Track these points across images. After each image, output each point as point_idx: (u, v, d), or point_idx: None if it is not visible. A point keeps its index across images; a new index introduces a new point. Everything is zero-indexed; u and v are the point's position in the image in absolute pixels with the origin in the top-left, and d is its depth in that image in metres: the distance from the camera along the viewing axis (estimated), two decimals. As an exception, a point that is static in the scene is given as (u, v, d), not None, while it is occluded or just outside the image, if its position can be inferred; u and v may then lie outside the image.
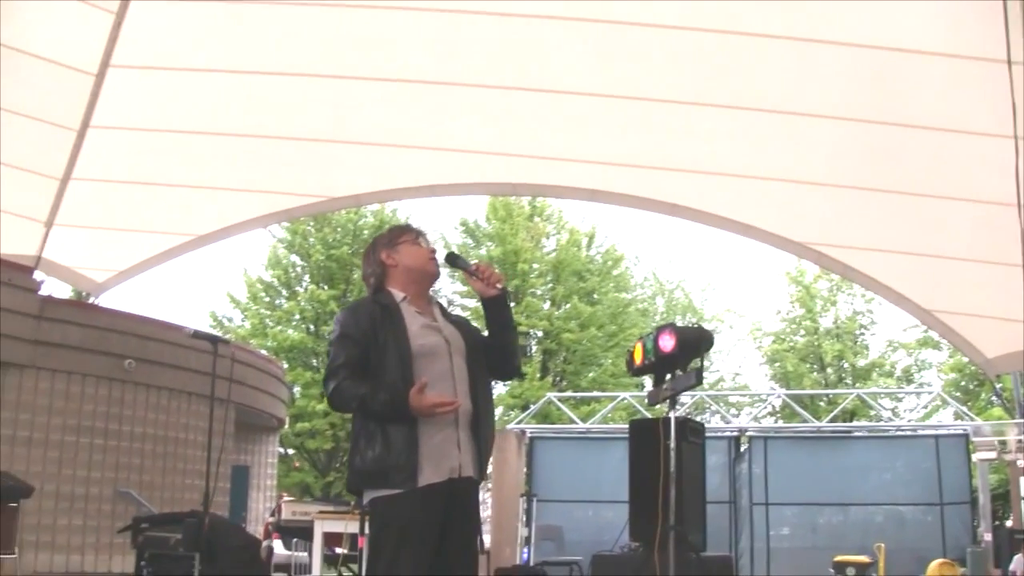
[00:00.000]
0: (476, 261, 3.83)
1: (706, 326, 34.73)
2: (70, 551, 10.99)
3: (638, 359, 6.03)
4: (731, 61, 8.10)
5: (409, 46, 8.42)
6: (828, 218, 9.97)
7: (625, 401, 19.69)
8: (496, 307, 3.77)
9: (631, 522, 6.52)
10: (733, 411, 30.83)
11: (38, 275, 11.27)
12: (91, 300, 12.18)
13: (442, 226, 46.62)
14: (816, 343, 31.32)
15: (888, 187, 9.14)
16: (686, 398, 25.31)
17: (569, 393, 26.94)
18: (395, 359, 3.48)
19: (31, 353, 10.90)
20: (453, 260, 3.91)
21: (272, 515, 9.67)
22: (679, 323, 33.87)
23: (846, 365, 31.13)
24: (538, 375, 29.88)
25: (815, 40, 7.63)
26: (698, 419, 28.03)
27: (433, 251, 3.83)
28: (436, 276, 3.87)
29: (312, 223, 29.54)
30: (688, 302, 35.12)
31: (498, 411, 30.67)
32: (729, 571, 7.09)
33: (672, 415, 5.69)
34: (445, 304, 3.93)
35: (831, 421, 19.94)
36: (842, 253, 10.34)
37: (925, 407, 28.51)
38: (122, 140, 9.40)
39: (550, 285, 31.62)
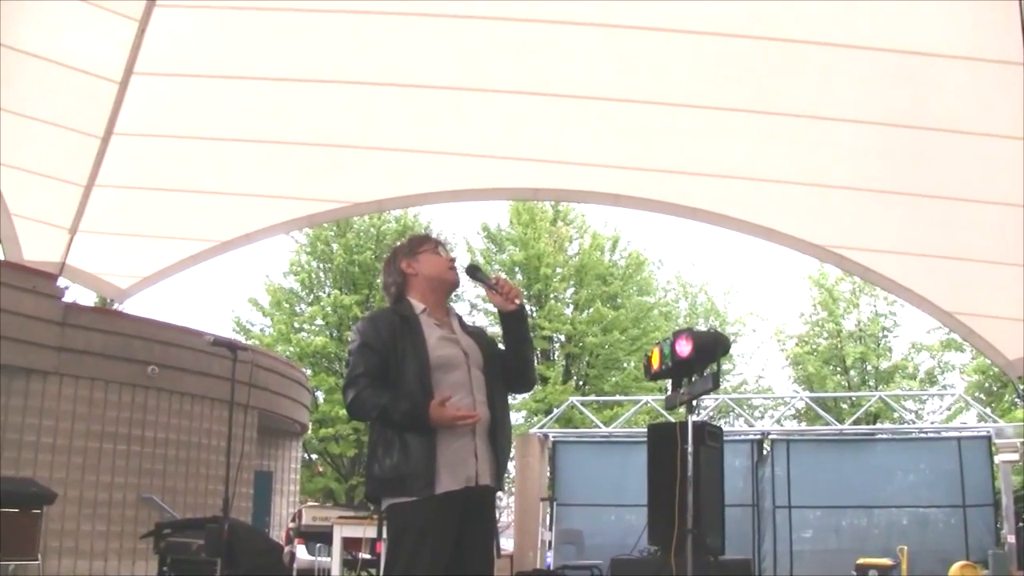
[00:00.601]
0: (496, 275, 3.86)
1: (729, 329, 34.73)
2: (93, 556, 11.08)
3: (656, 364, 6.08)
4: (752, 65, 8.12)
5: (432, 52, 8.47)
6: (849, 221, 9.97)
7: (648, 405, 19.68)
8: (514, 322, 3.81)
9: (649, 526, 6.55)
10: (757, 414, 30.78)
11: (62, 282, 11.38)
12: (115, 306, 12.29)
13: (465, 231, 46.84)
14: (839, 346, 31.21)
15: (909, 190, 9.13)
16: (709, 401, 25.26)
17: (592, 397, 26.93)
18: (414, 370, 3.52)
19: (55, 360, 11.01)
20: (474, 273, 3.96)
21: (293, 520, 9.74)
22: (702, 326, 33.98)
23: (869, 368, 31.00)
24: (561, 379, 29.88)
25: (836, 44, 7.66)
26: (721, 422, 28.01)
27: (453, 260, 3.88)
28: (456, 285, 3.92)
29: (334, 229, 29.62)
30: (711, 305, 35.06)
31: (521, 415, 30.71)
32: (748, 574, 7.08)
33: (690, 419, 5.72)
34: (468, 308, 3.98)
35: (853, 424, 19.89)
36: (863, 256, 10.31)
37: (948, 409, 28.38)
38: (146, 147, 9.48)
39: (573, 289, 31.64)
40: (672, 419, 19.48)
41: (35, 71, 8.28)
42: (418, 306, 3.75)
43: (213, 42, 8.37)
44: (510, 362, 3.82)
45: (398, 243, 4.09)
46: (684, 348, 5.76)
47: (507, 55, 8.41)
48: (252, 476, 15.14)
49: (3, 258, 10.51)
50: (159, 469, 11.93)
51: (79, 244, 10.63)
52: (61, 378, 11.10)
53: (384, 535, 7.06)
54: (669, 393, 6.21)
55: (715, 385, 5.75)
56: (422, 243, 3.90)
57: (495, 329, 4.10)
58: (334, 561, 8.93)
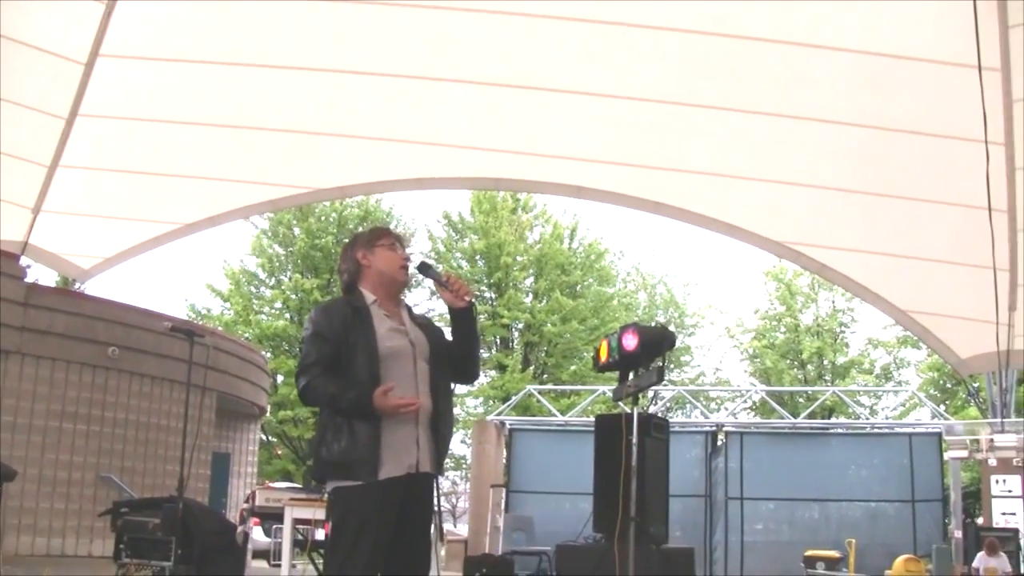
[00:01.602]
0: (447, 273, 3.98)
1: (688, 321, 35.01)
2: (52, 534, 11.10)
3: (603, 356, 6.25)
4: (717, 62, 8.22)
5: (396, 41, 8.50)
6: (806, 218, 10.10)
7: (605, 395, 19.86)
8: (464, 318, 3.92)
9: (595, 514, 6.72)
10: (714, 406, 31.08)
11: (24, 260, 11.31)
12: (77, 286, 12.24)
13: (426, 218, 46.77)
14: (796, 340, 31.55)
15: (869, 189, 9.28)
16: (665, 392, 25.52)
17: (550, 386, 27.09)
18: (364, 360, 3.65)
19: (17, 340, 10.99)
20: (425, 270, 4.07)
21: (247, 501, 9.84)
22: (661, 318, 34.20)
23: (826, 362, 31.37)
24: (519, 367, 30.03)
25: (800, 43, 7.77)
26: (678, 413, 28.28)
27: (407, 258, 3.99)
28: (405, 284, 4.05)
29: (296, 213, 29.58)
30: (670, 297, 35.31)
31: (479, 402, 30.84)
32: (691, 563, 7.25)
33: (635, 411, 5.86)
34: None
35: (807, 417, 20.17)
36: (819, 252, 10.45)
37: (903, 405, 28.81)
38: (110, 128, 9.44)
39: (533, 278, 31.78)
40: (628, 410, 19.63)
41: (1, 52, 8.23)
42: (369, 297, 3.87)
43: (179, 26, 8.37)
44: (457, 355, 3.95)
45: (360, 230, 4.19)
46: (630, 342, 5.92)
47: (472, 45, 8.46)
48: (210, 458, 15.16)
49: (-37, 236, 10.43)
50: (118, 449, 11.96)
51: (42, 224, 10.55)
52: (23, 357, 11.11)
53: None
54: (616, 386, 6.35)
55: (659, 378, 5.93)
56: (381, 236, 4.00)
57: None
58: (284, 541, 9.01)
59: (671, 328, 34.57)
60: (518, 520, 15.69)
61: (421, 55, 8.62)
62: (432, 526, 3.92)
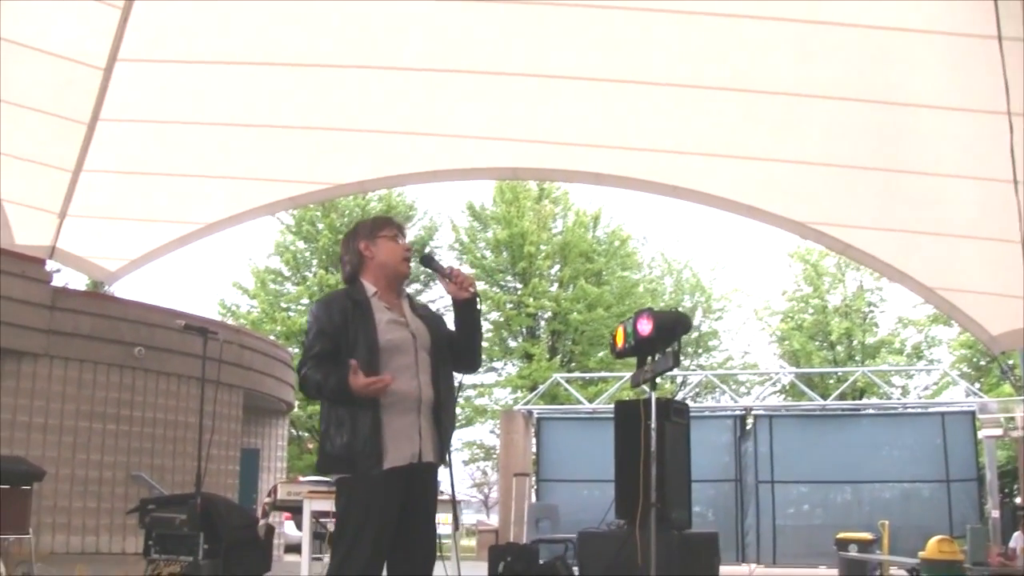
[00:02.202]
0: (450, 265, 4.00)
1: (715, 305, 34.86)
2: (86, 532, 11.27)
3: (620, 342, 6.26)
4: (730, 43, 8.19)
5: (410, 34, 8.53)
6: (828, 197, 10.05)
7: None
8: (467, 309, 3.97)
9: (616, 501, 6.71)
10: (743, 390, 30.97)
11: (53, 265, 11.46)
12: (106, 288, 12.36)
13: (450, 208, 46.81)
14: (824, 321, 31.35)
15: (889, 166, 9.22)
16: (693, 377, 25.47)
17: (577, 374, 27.08)
18: (364, 352, 3.69)
19: (45, 342, 11.14)
20: (428, 262, 4.09)
21: (269, 495, 9.95)
22: (687, 303, 34.09)
23: (855, 343, 31.16)
24: (546, 356, 30.04)
25: (813, 20, 7.72)
26: (707, 398, 28.21)
27: (409, 249, 4.01)
28: (407, 276, 4.06)
29: (319, 209, 29.69)
30: (697, 282, 35.13)
31: (507, 392, 30.88)
32: (714, 548, 7.24)
33: (652, 396, 5.87)
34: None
35: (837, 399, 20.06)
36: (842, 232, 10.41)
37: (936, 384, 28.57)
38: (131, 132, 9.54)
39: (557, 266, 31.76)
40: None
41: (20, 59, 8.32)
42: (370, 289, 3.91)
43: (196, 28, 8.43)
44: (459, 345, 3.99)
45: (360, 220, 4.21)
46: (645, 327, 5.94)
47: (487, 36, 8.46)
48: (238, 454, 15.29)
49: (-7, 243, 10.59)
50: (147, 447, 12.11)
51: (68, 228, 10.70)
52: (51, 360, 11.26)
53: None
54: (634, 372, 6.36)
55: (675, 363, 5.94)
56: (383, 227, 4.02)
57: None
58: (304, 533, 9.09)
59: (698, 313, 34.70)
60: (543, 508, 15.72)
61: (435, 47, 8.65)
62: (437, 515, 3.95)
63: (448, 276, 3.93)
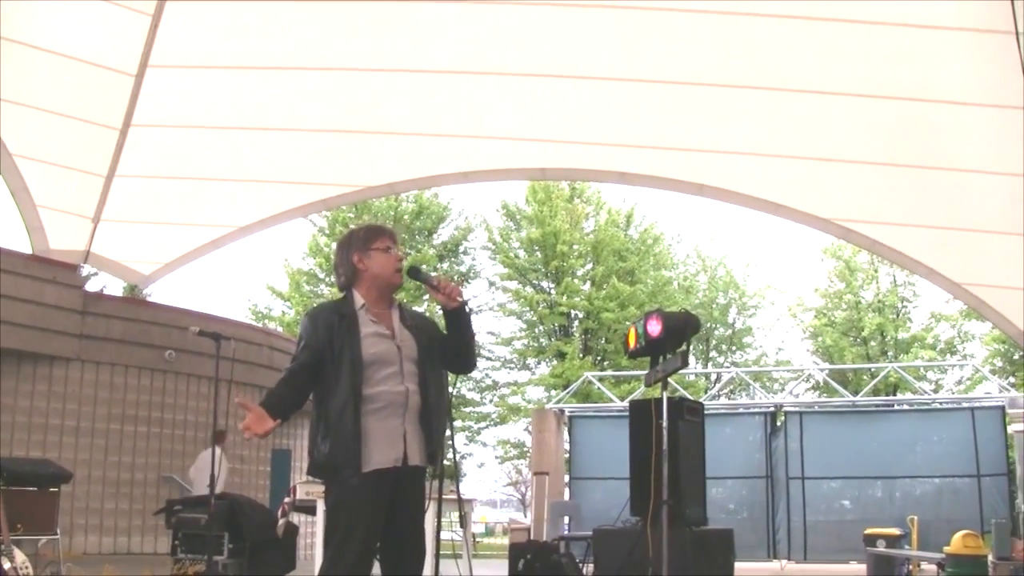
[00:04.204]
0: (437, 276, 4.07)
1: (748, 302, 34.73)
2: (118, 533, 11.45)
3: (632, 343, 6.32)
4: (754, 42, 8.25)
5: (437, 37, 8.64)
6: (855, 194, 10.06)
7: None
8: (457, 317, 4.02)
9: (631, 498, 6.76)
10: (777, 387, 30.86)
11: (89, 269, 11.69)
12: (145, 293, 12.53)
13: (482, 206, 46.91)
14: (857, 317, 31.18)
15: (914, 162, 9.23)
16: (725, 375, 25.44)
17: (609, 372, 27.10)
18: (348, 366, 3.80)
19: (77, 347, 11.32)
20: (416, 274, 4.15)
21: (289, 495, 10.10)
22: (721, 300, 34.00)
23: (888, 338, 30.96)
24: (579, 355, 30.06)
25: (839, 19, 7.76)
26: (741, 395, 28.13)
27: (400, 259, 4.06)
28: (399, 286, 4.10)
29: (352, 210, 29.82)
30: (730, 279, 34.98)
31: (539, 390, 30.94)
32: (729, 545, 7.25)
33: (664, 395, 5.93)
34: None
35: (869, 395, 19.95)
36: (870, 228, 10.40)
37: (969, 379, 28.33)
38: (163, 137, 9.73)
39: (590, 265, 31.76)
40: (689, 395, 19.63)
41: (54, 68, 8.53)
42: (359, 301, 3.99)
43: (225, 34, 8.59)
44: (452, 350, 4.07)
45: (353, 228, 4.26)
46: (654, 328, 6.00)
47: (513, 38, 8.57)
48: (269, 455, 15.44)
49: (31, 247, 10.79)
50: (178, 449, 12.25)
51: (102, 232, 10.90)
52: (83, 364, 11.44)
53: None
54: (647, 371, 6.42)
55: (684, 363, 5.99)
56: (375, 239, 4.06)
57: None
58: (318, 534, 9.21)
59: (732, 310, 34.59)
60: (563, 506, 15.75)
61: (462, 49, 8.76)
62: (447, 515, 4.03)
63: (436, 287, 3.98)
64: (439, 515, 4.29)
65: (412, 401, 3.85)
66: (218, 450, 10.22)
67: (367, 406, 3.77)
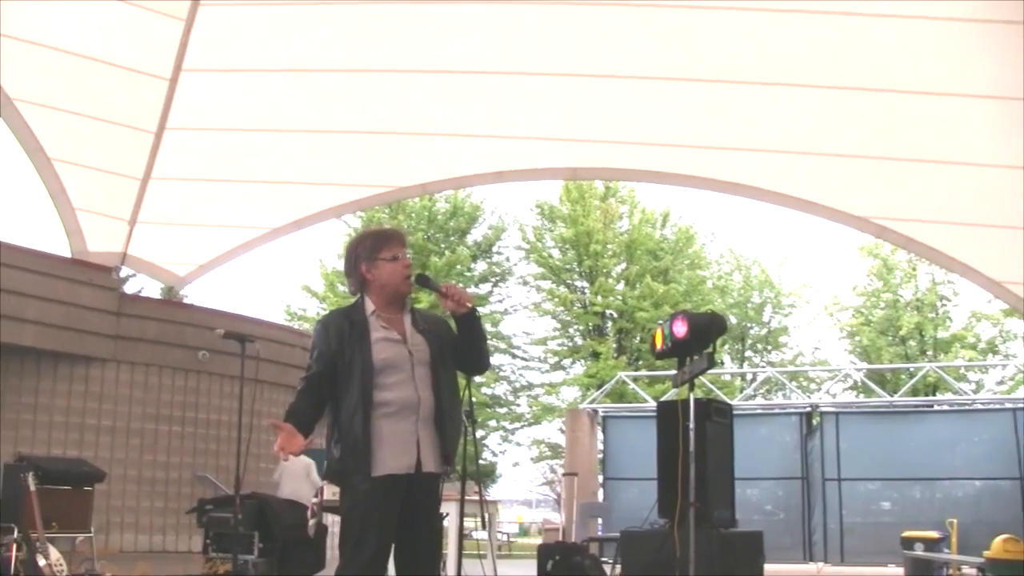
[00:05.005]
0: (445, 283, 4.07)
1: (784, 301, 34.51)
2: (152, 531, 11.57)
3: (659, 344, 6.31)
4: (786, 38, 8.17)
5: (468, 38, 8.64)
6: (889, 191, 9.94)
7: (696, 380, 19.68)
8: (468, 322, 4.04)
9: (659, 499, 6.74)
10: (813, 387, 30.62)
11: (126, 271, 11.86)
12: (182, 295, 12.61)
13: (517, 208, 46.98)
14: (895, 316, 30.87)
15: (948, 158, 9.12)
16: (761, 375, 25.29)
17: (643, 372, 27.03)
18: (359, 372, 3.84)
19: (112, 348, 11.45)
20: (424, 282, 4.19)
21: (316, 496, 10.17)
22: (756, 299, 33.80)
23: (927, 337, 30.63)
24: (613, 355, 30.01)
25: (871, 15, 7.68)
26: (777, 395, 27.94)
27: (408, 266, 4.07)
28: (407, 294, 4.13)
29: (386, 211, 29.92)
30: (765, 277, 34.80)
31: (574, 390, 30.91)
32: (758, 547, 7.21)
33: (691, 397, 5.91)
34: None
35: (905, 395, 19.75)
36: (905, 226, 10.29)
37: (1012, 379, 27.97)
38: (197, 140, 9.81)
39: (624, 265, 31.70)
40: (724, 396, 19.56)
41: (90, 73, 8.63)
42: (369, 306, 4.02)
43: (257, 37, 8.63)
44: (464, 353, 4.10)
45: (363, 233, 4.27)
46: (680, 329, 5.99)
47: (541, 36, 8.55)
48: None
49: (70, 250, 10.93)
50: (212, 448, 12.34)
51: (139, 235, 11.02)
52: (118, 364, 11.56)
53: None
54: (675, 372, 6.41)
55: (710, 364, 5.98)
56: (383, 248, 4.07)
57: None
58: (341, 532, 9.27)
59: (768, 309, 34.38)
60: (592, 507, 15.74)
61: (493, 50, 8.76)
62: (470, 518, 4.05)
63: (444, 294, 4.00)
64: (461, 515, 4.31)
65: (425, 406, 3.87)
66: (307, 460, 10.35)
67: (380, 411, 3.81)
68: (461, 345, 4.07)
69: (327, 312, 4.42)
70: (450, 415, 3.96)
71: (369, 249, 4.06)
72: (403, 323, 4.04)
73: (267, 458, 12.75)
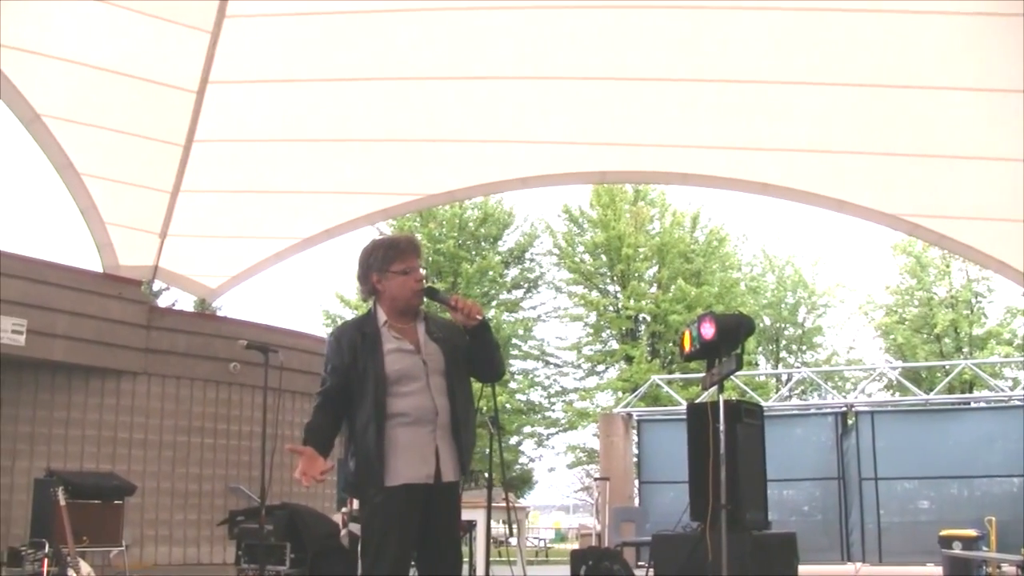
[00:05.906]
0: (454, 296, 4.05)
1: (818, 301, 34.29)
2: (186, 543, 11.62)
3: (687, 346, 6.27)
4: (813, 38, 8.14)
5: (493, 44, 8.66)
6: (919, 189, 9.87)
7: (730, 381, 19.57)
8: (479, 334, 4.02)
9: (691, 502, 6.69)
10: (849, 386, 30.39)
11: (159, 284, 11.93)
12: (215, 306, 12.67)
13: (547, 214, 46.98)
14: (930, 314, 30.60)
15: (980, 154, 9.04)
16: (795, 375, 25.11)
17: (677, 375, 26.92)
18: (372, 383, 3.82)
19: (143, 361, 11.52)
20: (432, 294, 4.16)
21: (345, 505, 10.21)
22: (790, 299, 33.60)
23: (962, 335, 30.33)
24: (647, 358, 29.92)
25: (899, 11, 7.63)
26: (813, 396, 27.73)
27: (420, 279, 4.04)
28: (419, 307, 4.10)
29: (417, 219, 30.00)
30: (799, 277, 34.60)
31: (608, 394, 30.83)
32: (792, 549, 7.13)
33: (720, 398, 5.87)
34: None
35: (940, 392, 19.53)
36: (936, 223, 10.21)
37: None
38: (225, 152, 9.88)
39: (655, 268, 31.61)
40: (759, 400, 19.42)
41: (118, 87, 8.70)
42: (382, 317, 4.00)
43: (283, 49, 8.69)
44: (478, 362, 4.08)
45: (376, 242, 4.17)
46: (708, 331, 5.95)
47: (568, 42, 8.56)
48: (335, 463, 15.53)
49: (101, 264, 11.02)
50: (244, 460, 12.37)
51: (170, 248, 11.10)
52: (149, 378, 11.63)
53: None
54: (704, 374, 6.36)
55: (738, 366, 5.91)
56: (394, 261, 4.03)
57: None
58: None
59: (802, 309, 34.18)
60: (626, 511, 15.64)
61: (517, 55, 8.77)
62: (496, 522, 4.03)
63: (454, 307, 3.99)
64: (488, 521, 4.30)
65: (442, 415, 3.86)
66: None
67: (397, 420, 3.80)
68: (475, 355, 4.05)
69: (339, 324, 4.38)
70: (465, 423, 3.95)
71: (381, 260, 4.04)
72: (416, 332, 4.01)
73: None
